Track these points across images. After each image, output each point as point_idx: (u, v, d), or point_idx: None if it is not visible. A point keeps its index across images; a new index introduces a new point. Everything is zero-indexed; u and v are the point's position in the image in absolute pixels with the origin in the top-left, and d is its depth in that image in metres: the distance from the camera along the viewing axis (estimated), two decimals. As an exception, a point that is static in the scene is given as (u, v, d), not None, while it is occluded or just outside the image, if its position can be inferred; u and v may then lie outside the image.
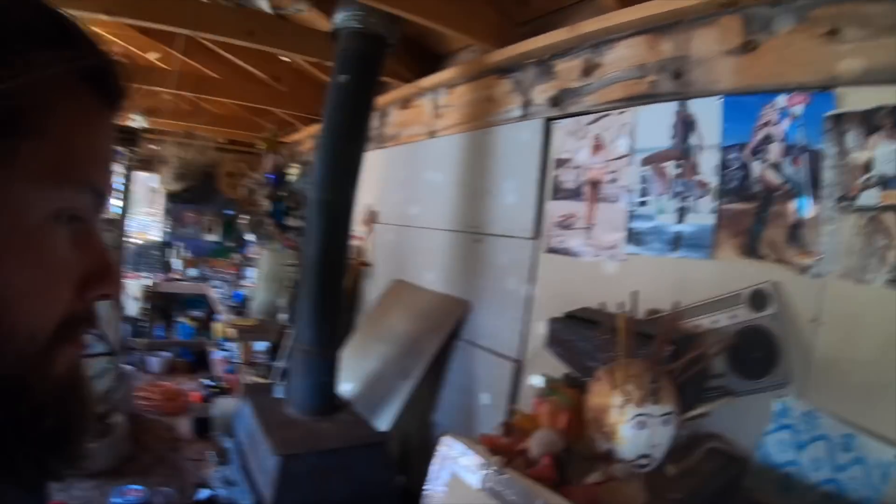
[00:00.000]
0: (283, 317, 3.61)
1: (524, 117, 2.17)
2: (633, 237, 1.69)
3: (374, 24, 2.20)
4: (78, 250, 0.46)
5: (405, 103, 3.10)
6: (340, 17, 2.24)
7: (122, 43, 3.67)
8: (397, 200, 3.12)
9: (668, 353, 1.25)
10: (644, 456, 1.14)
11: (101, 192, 0.47)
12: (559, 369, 1.61)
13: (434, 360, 2.40)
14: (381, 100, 3.18)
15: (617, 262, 1.74)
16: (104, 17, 2.75)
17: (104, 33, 3.89)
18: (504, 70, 2.26)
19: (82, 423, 0.48)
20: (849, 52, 1.18)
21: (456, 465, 1.27)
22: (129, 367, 4.15)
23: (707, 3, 1.40)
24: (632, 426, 1.13)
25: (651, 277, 1.61)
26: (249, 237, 4.69)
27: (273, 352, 3.17)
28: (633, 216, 1.70)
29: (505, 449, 1.24)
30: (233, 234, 5.57)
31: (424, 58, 2.85)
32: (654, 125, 1.65)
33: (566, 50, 1.94)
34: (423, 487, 1.30)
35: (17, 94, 0.39)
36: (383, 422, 2.33)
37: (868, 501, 1.09)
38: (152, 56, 3.85)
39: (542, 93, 2.08)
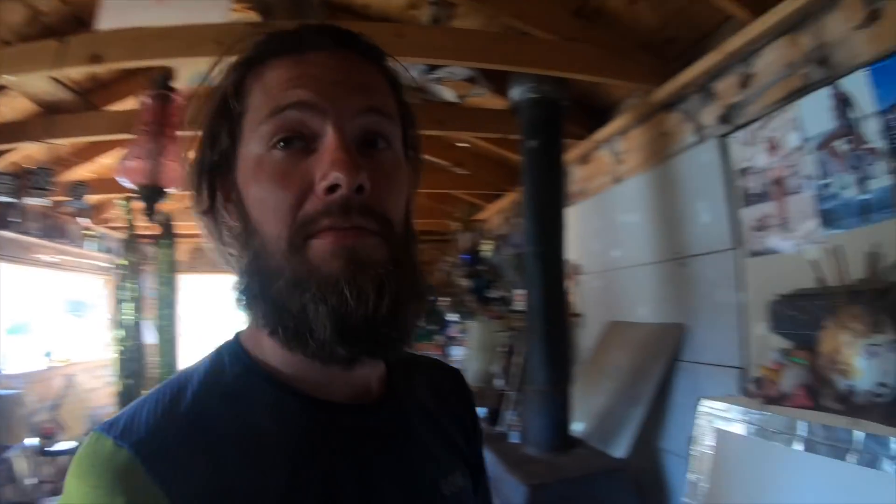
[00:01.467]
0: (498, 382, 3.93)
1: (700, 142, 2.47)
2: (826, 219, 1.88)
3: (548, 91, 2.68)
4: (302, 161, 0.57)
5: (584, 159, 3.49)
6: (518, 91, 2.77)
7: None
8: (597, 249, 3.47)
9: (881, 294, 1.45)
10: (881, 384, 1.34)
11: (304, 104, 0.58)
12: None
13: (659, 387, 2.63)
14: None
15: (817, 246, 1.92)
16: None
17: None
18: (670, 104, 2.60)
19: (339, 306, 0.54)
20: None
21: (719, 422, 1.53)
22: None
23: (825, -9, 1.67)
24: (864, 356, 1.35)
25: (854, 248, 1.74)
26: (451, 317, 5.19)
27: (492, 416, 3.47)
28: (820, 199, 1.90)
29: (759, 396, 1.51)
30: (434, 318, 6.13)
31: (592, 113, 3.26)
32: (816, 112, 1.89)
33: (720, 70, 2.26)
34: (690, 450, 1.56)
35: (232, 101, 0.61)
36: (620, 449, 2.57)
37: None
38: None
39: (709, 115, 2.39)
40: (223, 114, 0.62)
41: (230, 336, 0.67)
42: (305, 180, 0.56)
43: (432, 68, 2.83)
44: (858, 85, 1.71)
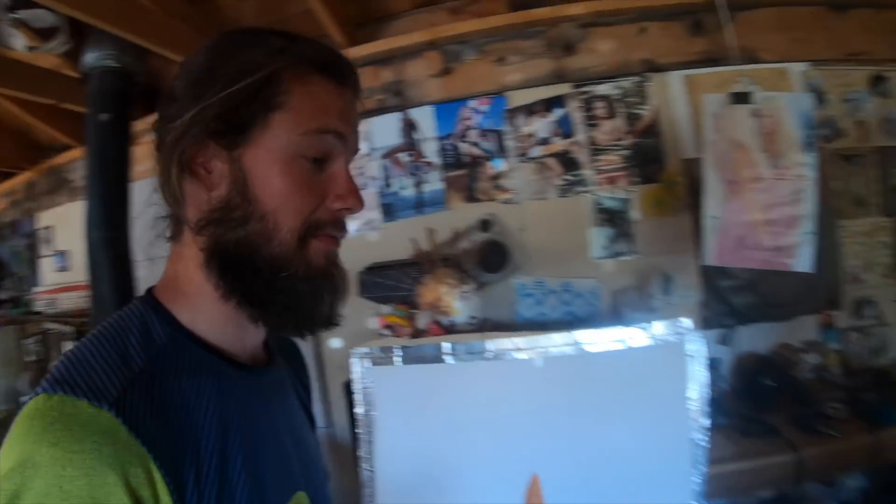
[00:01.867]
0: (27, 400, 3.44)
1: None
2: (387, 211, 2.48)
3: (128, 63, 2.50)
4: (324, 178, 0.69)
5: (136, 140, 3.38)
6: (94, 57, 2.48)
7: None
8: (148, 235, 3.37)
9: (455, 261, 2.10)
10: (472, 317, 1.98)
11: (340, 135, 0.69)
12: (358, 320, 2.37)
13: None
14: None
15: (377, 231, 2.49)
16: None
17: None
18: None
19: (331, 295, 0.70)
20: (512, 71, 2.20)
21: (371, 361, 1.87)
22: None
23: (414, 44, 2.26)
24: (460, 300, 1.94)
25: (408, 233, 2.39)
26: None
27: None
28: (383, 195, 2.48)
29: (403, 335, 1.98)
30: None
31: (153, 95, 3.18)
32: (386, 129, 2.47)
33: (301, 81, 2.62)
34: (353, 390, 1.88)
35: (267, 89, 0.65)
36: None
37: (593, 315, 2.06)
38: None
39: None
40: (257, 95, 0.65)
41: (143, 294, 0.71)
42: (321, 193, 0.68)
43: (16, 5, 2.26)
44: (424, 116, 2.37)
